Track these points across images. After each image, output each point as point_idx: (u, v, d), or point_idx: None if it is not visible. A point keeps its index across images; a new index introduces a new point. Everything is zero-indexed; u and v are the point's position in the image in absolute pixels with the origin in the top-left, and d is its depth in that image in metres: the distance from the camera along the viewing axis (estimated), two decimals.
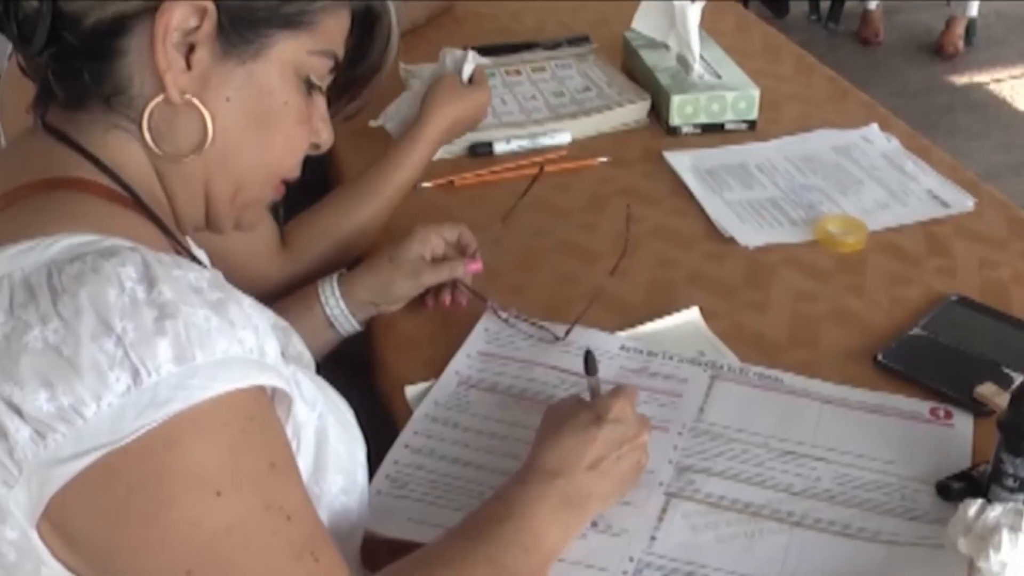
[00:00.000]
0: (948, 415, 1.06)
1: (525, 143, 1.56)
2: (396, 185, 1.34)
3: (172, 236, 0.83)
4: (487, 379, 1.12)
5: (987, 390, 1.06)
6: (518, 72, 1.75)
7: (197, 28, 0.76)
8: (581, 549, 0.91)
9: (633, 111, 1.63)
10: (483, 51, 1.83)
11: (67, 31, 0.76)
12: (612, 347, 1.15)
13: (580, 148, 1.57)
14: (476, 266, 1.22)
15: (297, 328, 1.05)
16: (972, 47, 4.57)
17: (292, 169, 0.87)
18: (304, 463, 0.81)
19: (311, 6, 0.81)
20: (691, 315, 1.20)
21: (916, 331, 1.17)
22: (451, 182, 1.48)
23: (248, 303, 0.74)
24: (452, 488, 0.98)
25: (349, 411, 0.90)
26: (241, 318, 0.71)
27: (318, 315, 1.16)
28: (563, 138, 1.58)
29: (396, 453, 1.03)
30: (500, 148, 1.55)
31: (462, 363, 1.14)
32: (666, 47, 1.69)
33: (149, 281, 0.68)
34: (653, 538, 0.93)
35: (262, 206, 0.89)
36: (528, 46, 1.85)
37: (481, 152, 1.54)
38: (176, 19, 0.75)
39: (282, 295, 1.26)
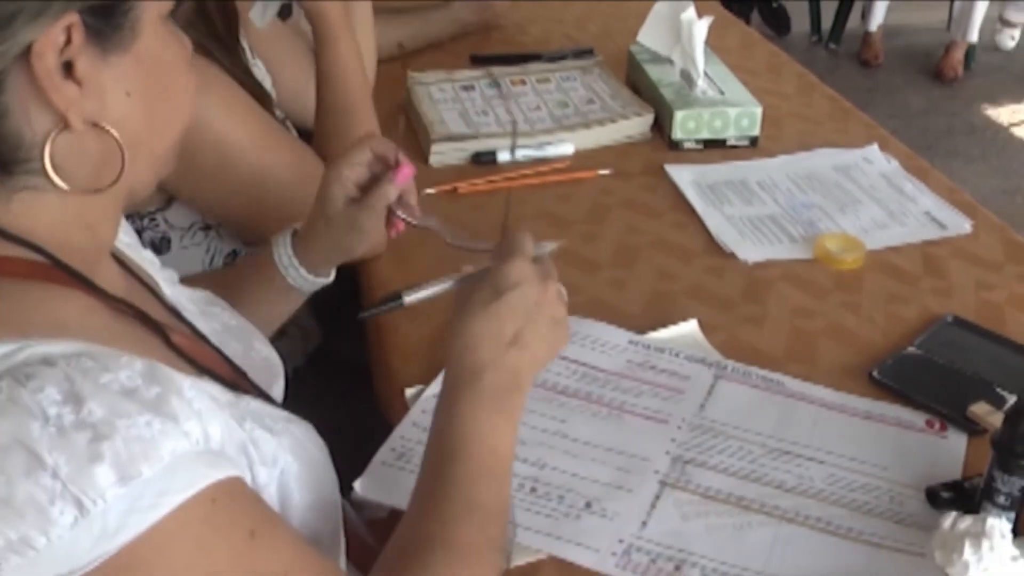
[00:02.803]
0: (943, 427, 1.07)
1: (528, 153, 1.57)
2: (356, 87, 1.34)
3: (100, 291, 0.77)
4: None
5: (980, 409, 1.07)
6: (523, 82, 1.77)
7: (67, 44, 0.70)
8: (573, 528, 0.93)
9: (636, 124, 1.65)
10: (488, 61, 1.86)
11: None
12: (620, 341, 1.18)
13: (582, 159, 1.58)
14: (407, 170, 1.07)
15: (260, 296, 0.99)
16: (971, 72, 4.60)
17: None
18: None
19: None
20: (690, 327, 1.22)
21: (911, 349, 1.18)
22: (455, 189, 1.49)
23: (188, 385, 0.70)
24: None
25: (319, 448, 0.86)
26: (183, 409, 0.68)
27: (280, 283, 1.10)
28: (566, 149, 1.59)
29: (403, 430, 1.05)
30: (503, 157, 1.56)
31: None
32: (670, 62, 1.70)
33: (76, 400, 0.64)
34: (644, 523, 0.95)
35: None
36: (533, 57, 1.86)
37: (485, 161, 1.56)
38: (50, 53, 0.69)
39: None
